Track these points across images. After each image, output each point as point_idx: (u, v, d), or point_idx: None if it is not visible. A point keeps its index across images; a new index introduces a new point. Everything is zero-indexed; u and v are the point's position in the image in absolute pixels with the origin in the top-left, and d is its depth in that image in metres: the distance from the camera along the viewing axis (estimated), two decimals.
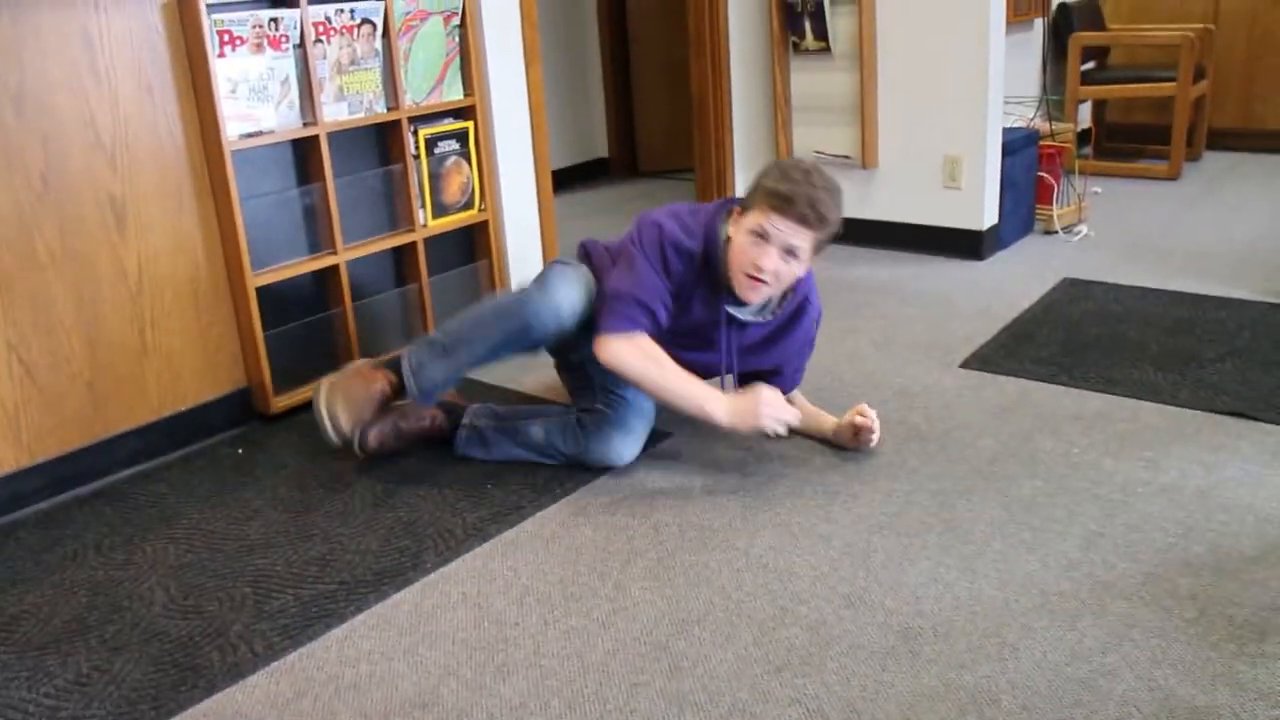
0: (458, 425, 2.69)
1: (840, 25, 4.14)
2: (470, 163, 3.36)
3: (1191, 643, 1.84)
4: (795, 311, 2.56)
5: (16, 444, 2.58)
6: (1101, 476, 2.42)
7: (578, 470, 2.59)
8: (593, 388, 2.61)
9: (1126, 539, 2.16)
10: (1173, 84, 5.11)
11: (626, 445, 2.58)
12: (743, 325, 2.53)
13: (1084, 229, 4.39)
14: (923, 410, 2.82)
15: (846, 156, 4.27)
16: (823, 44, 4.18)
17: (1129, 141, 5.76)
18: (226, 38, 2.73)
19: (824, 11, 4.12)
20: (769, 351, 2.60)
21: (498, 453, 2.66)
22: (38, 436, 2.61)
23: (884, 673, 1.82)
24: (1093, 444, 2.57)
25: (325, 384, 2.62)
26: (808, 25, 4.18)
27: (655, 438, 2.73)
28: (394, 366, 2.65)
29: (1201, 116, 5.52)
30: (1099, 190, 4.99)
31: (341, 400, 2.59)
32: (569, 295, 2.47)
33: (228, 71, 2.76)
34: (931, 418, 2.77)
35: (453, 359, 2.56)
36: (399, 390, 2.65)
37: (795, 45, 4.27)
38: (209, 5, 2.67)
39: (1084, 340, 3.21)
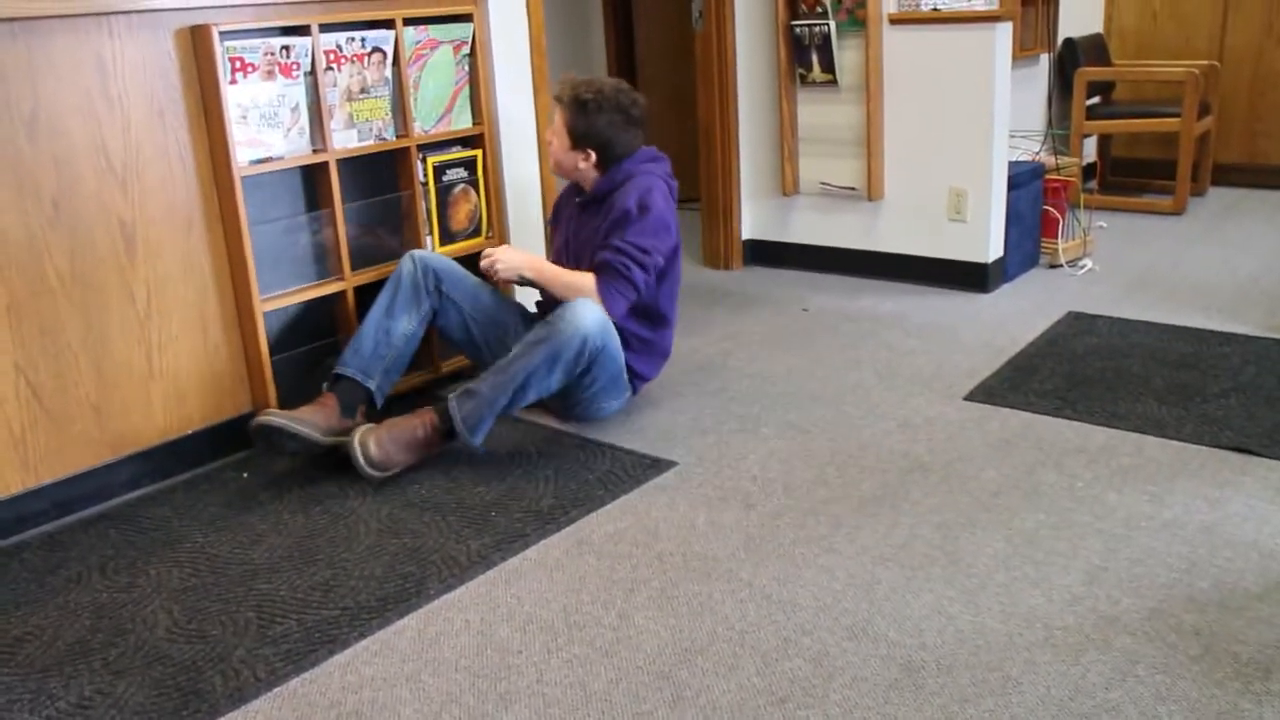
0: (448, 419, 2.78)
1: (847, 58, 4.17)
2: (478, 190, 3.38)
3: (1196, 680, 1.83)
4: (611, 190, 2.99)
5: (23, 466, 2.59)
6: (1105, 510, 2.42)
7: (582, 498, 2.59)
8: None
9: (1130, 574, 2.16)
10: (1178, 119, 5.14)
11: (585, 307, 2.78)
12: (581, 208, 3.09)
13: (1088, 263, 4.40)
14: (926, 442, 2.82)
15: (852, 188, 4.29)
16: (829, 76, 4.21)
17: (1134, 176, 5.78)
18: (238, 64, 2.76)
19: (831, 44, 4.15)
20: (596, 228, 3.00)
21: (501, 401, 2.74)
22: (44, 458, 2.62)
23: (887, 705, 1.81)
24: (1096, 478, 2.58)
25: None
26: (815, 58, 4.21)
27: (659, 467, 2.74)
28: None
29: (1206, 152, 5.54)
30: (1104, 224, 5.00)
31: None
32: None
33: (239, 98, 2.78)
34: (935, 450, 2.77)
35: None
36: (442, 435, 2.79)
37: (802, 77, 4.29)
38: (222, 32, 2.69)
39: (1088, 374, 3.21)
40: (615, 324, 2.89)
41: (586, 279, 2.91)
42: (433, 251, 3.11)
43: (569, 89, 2.97)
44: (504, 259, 2.97)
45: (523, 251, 3.07)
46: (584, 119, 2.95)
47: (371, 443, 2.70)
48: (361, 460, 2.68)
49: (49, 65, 2.50)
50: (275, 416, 2.69)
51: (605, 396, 2.99)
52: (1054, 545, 2.28)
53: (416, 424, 2.75)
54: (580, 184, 3.09)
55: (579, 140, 2.98)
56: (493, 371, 2.77)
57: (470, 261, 3.23)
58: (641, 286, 2.92)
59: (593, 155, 2.99)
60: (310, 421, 2.73)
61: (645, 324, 3.06)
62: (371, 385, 2.86)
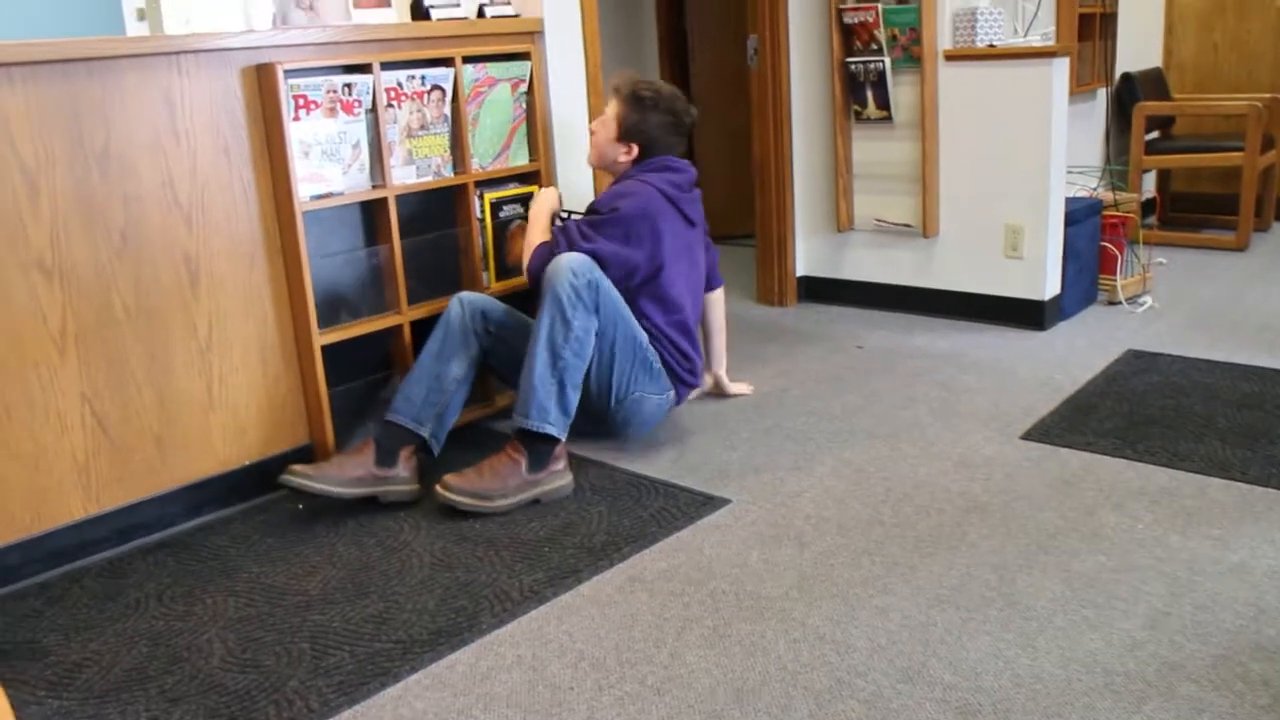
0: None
1: (902, 94, 4.17)
2: None
3: None
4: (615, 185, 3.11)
5: (85, 493, 2.64)
6: (1168, 554, 2.37)
7: (635, 535, 2.59)
8: None
9: (1195, 619, 2.11)
10: (1240, 153, 5.07)
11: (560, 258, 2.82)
12: None
13: (1148, 300, 4.34)
14: (983, 482, 2.79)
15: (907, 225, 4.27)
16: (884, 113, 4.20)
17: (1195, 211, 5.71)
18: (302, 102, 2.81)
19: (886, 81, 4.15)
20: None
21: (544, 376, 2.77)
22: (106, 486, 2.67)
23: None
24: (1158, 520, 2.53)
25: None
26: (870, 94, 4.21)
27: (712, 504, 2.73)
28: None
29: (1270, 186, 5.46)
30: (1164, 261, 4.94)
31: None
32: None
33: (301, 134, 2.83)
34: (992, 489, 2.74)
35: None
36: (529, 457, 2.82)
37: (857, 114, 4.29)
38: (287, 71, 2.75)
39: (1149, 414, 3.16)
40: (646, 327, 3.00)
41: (533, 242, 3.05)
42: (479, 292, 3.13)
43: (629, 83, 3.08)
44: (536, 199, 3.16)
45: (549, 201, 3.16)
46: (637, 114, 3.05)
47: (452, 479, 2.74)
48: (451, 495, 2.71)
49: (121, 103, 2.57)
50: (294, 477, 2.70)
51: (642, 381, 2.97)
52: (1115, 589, 2.24)
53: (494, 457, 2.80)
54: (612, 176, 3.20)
55: (627, 133, 3.07)
56: (525, 366, 2.80)
57: (521, 298, 3.26)
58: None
59: (635, 150, 3.09)
60: (332, 476, 2.72)
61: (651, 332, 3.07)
62: (424, 432, 2.87)
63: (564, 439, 2.81)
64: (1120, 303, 4.33)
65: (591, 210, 3.03)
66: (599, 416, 3.01)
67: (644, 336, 2.97)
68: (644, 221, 2.96)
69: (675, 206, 3.05)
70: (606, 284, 2.85)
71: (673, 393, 3.09)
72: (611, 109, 3.10)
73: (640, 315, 3.02)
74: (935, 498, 2.71)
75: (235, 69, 2.75)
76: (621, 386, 2.95)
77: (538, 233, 3.07)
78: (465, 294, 3.00)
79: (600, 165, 3.19)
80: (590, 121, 3.33)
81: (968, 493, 2.73)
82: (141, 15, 6.16)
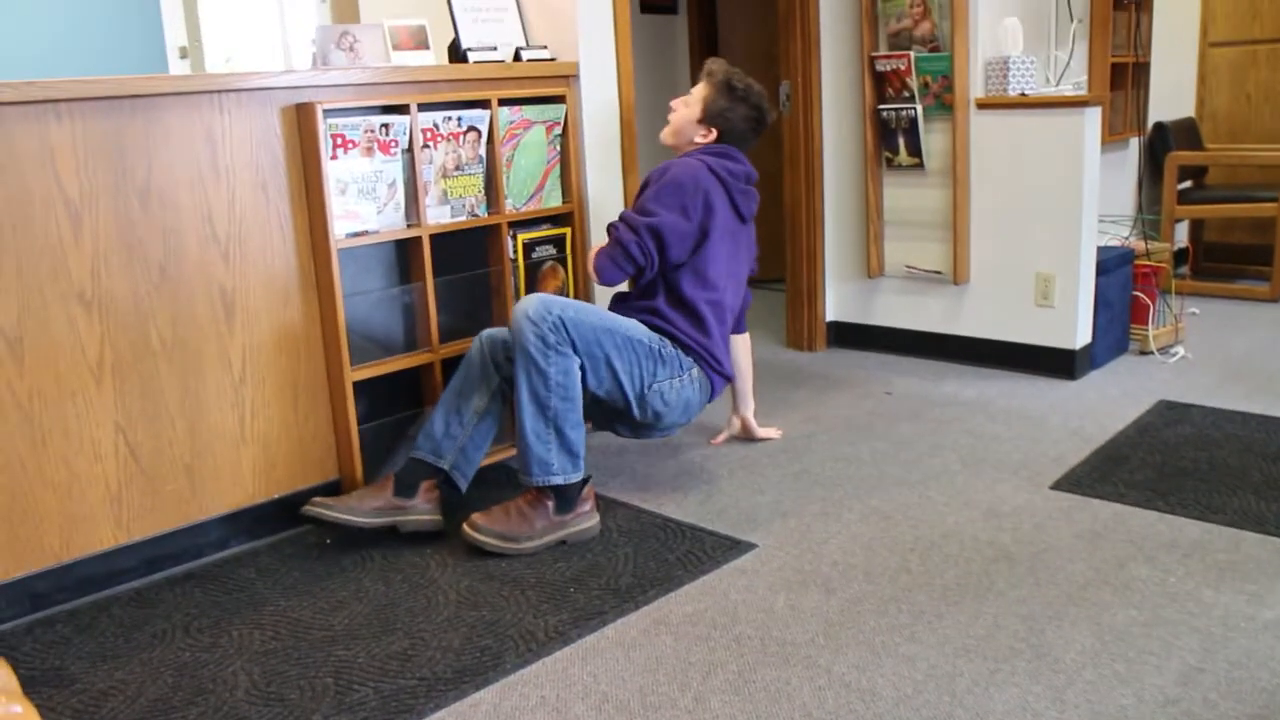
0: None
1: (934, 142, 4.18)
2: (566, 267, 3.43)
3: None
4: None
5: (116, 523, 2.66)
6: (1200, 608, 2.34)
7: (661, 578, 2.58)
8: None
9: (1229, 676, 2.08)
10: (1274, 204, 5.04)
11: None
12: None
13: (1181, 350, 4.31)
14: (1011, 531, 2.77)
15: (938, 272, 4.27)
16: (916, 160, 4.22)
17: (1228, 262, 5.68)
18: (340, 141, 2.85)
19: (918, 128, 4.16)
20: None
21: (532, 427, 2.76)
22: (137, 516, 2.69)
23: None
24: (1190, 573, 2.50)
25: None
26: (901, 141, 4.23)
27: (739, 548, 2.72)
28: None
29: None
30: (1196, 311, 4.91)
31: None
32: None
33: (338, 173, 2.87)
34: (1021, 539, 2.72)
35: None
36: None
37: (888, 161, 4.31)
38: (326, 110, 2.79)
39: (1181, 465, 3.13)
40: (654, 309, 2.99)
41: (595, 249, 3.07)
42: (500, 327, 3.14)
43: (723, 70, 3.14)
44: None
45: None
46: (726, 101, 3.10)
47: (480, 519, 2.76)
48: (479, 536, 2.73)
49: (164, 139, 2.62)
50: (315, 508, 2.76)
51: (653, 370, 2.90)
52: (1146, 643, 2.21)
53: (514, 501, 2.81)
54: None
55: (710, 117, 3.11)
56: (516, 423, 2.79)
57: None
58: (634, 248, 2.94)
59: (713, 134, 3.13)
60: (351, 506, 2.77)
61: (676, 306, 3.03)
62: (444, 465, 2.88)
63: (578, 476, 2.79)
64: (1152, 353, 4.30)
65: (643, 185, 3.07)
66: (634, 424, 2.98)
67: (637, 329, 2.90)
68: (696, 191, 2.98)
69: (726, 190, 3.05)
70: (572, 312, 2.77)
71: (696, 369, 3.00)
72: (699, 90, 3.13)
73: (674, 289, 3.01)
74: (964, 546, 2.69)
75: (275, 107, 2.80)
76: (635, 387, 2.88)
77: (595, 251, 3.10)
78: (487, 330, 3.00)
79: (674, 143, 3.19)
80: (675, 100, 3.27)
81: (996, 542, 2.71)
82: (184, 53, 6.28)
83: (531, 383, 2.72)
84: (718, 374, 3.07)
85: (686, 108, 3.14)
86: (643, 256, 2.94)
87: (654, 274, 2.99)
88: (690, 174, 2.99)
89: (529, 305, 2.73)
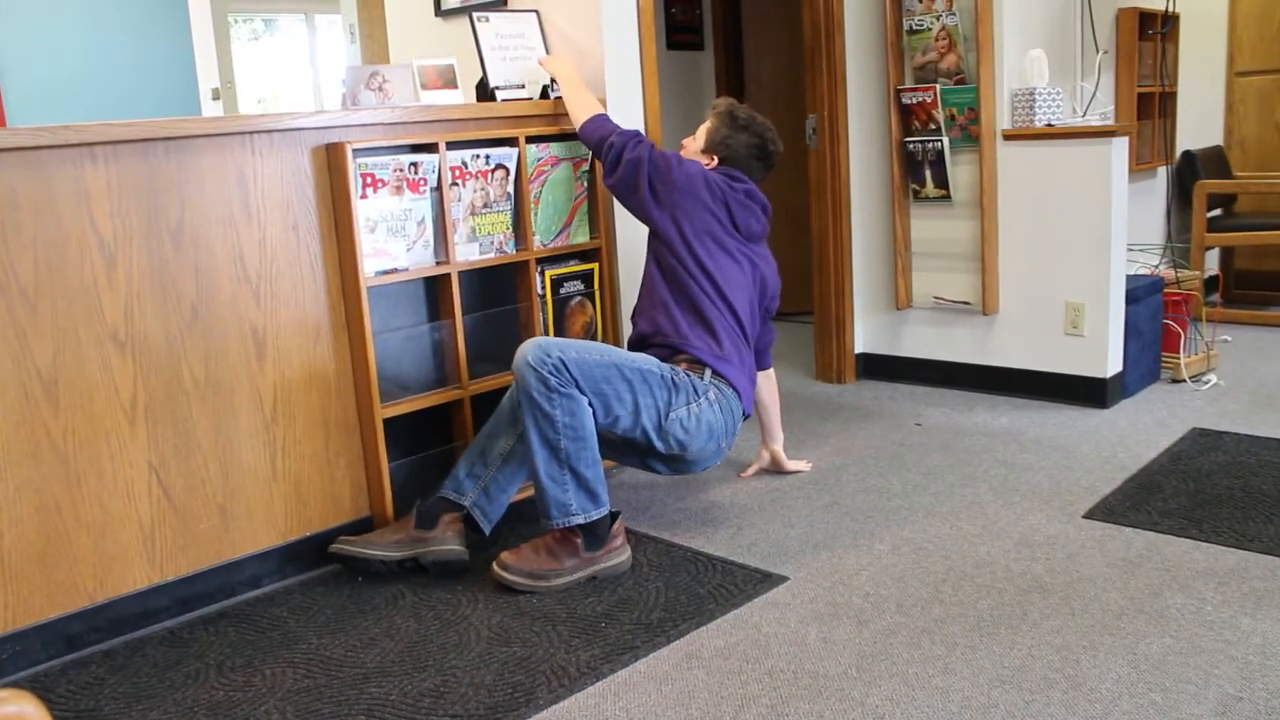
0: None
1: (960, 173, 4.18)
2: (594, 303, 3.45)
3: None
4: None
5: (150, 562, 2.68)
6: (1238, 637, 2.31)
7: (692, 612, 2.57)
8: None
9: (1269, 705, 2.05)
10: None
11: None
12: None
13: (1213, 378, 4.27)
14: (1045, 561, 2.74)
15: (966, 302, 4.26)
16: (943, 192, 4.22)
17: (1259, 289, 5.63)
18: (369, 180, 2.89)
19: (944, 160, 4.17)
20: None
21: (548, 472, 2.75)
22: (170, 555, 2.71)
23: None
24: (1227, 602, 2.47)
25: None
26: (928, 173, 4.23)
27: (770, 581, 2.71)
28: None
29: None
30: (1228, 338, 4.87)
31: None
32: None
33: (368, 211, 2.91)
34: (1054, 569, 2.69)
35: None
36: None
37: (915, 192, 4.32)
38: (355, 150, 2.83)
39: (1215, 493, 3.10)
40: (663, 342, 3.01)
41: (591, 104, 3.21)
42: None
43: (727, 103, 3.25)
44: (549, 60, 3.35)
45: (571, 65, 3.33)
46: (727, 129, 3.18)
47: (509, 557, 2.77)
48: (508, 576, 2.74)
49: (197, 179, 2.66)
50: (342, 545, 2.84)
51: (668, 400, 2.84)
52: (1183, 672, 2.18)
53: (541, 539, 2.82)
54: None
55: (712, 145, 3.19)
56: (529, 467, 2.79)
57: None
58: (619, 147, 3.07)
59: (715, 161, 3.19)
60: (374, 542, 2.84)
61: (691, 321, 3.01)
62: (464, 501, 2.89)
63: (600, 512, 2.77)
64: (1184, 380, 4.27)
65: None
66: (663, 458, 2.93)
67: (646, 360, 2.86)
68: (691, 171, 3.05)
69: (723, 195, 3.06)
70: (573, 352, 2.72)
71: (713, 391, 2.92)
72: (705, 124, 3.23)
73: (688, 301, 3.01)
74: (996, 577, 2.67)
75: (306, 148, 2.83)
76: (653, 419, 2.82)
77: (584, 94, 3.24)
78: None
79: None
80: (686, 137, 3.39)
81: (1029, 572, 2.68)
82: (216, 95, 6.39)
83: (540, 427, 2.71)
84: (732, 386, 2.97)
85: (693, 140, 3.23)
86: (612, 153, 3.09)
87: (607, 168, 3.11)
88: (692, 160, 3.12)
89: (527, 351, 2.71)
